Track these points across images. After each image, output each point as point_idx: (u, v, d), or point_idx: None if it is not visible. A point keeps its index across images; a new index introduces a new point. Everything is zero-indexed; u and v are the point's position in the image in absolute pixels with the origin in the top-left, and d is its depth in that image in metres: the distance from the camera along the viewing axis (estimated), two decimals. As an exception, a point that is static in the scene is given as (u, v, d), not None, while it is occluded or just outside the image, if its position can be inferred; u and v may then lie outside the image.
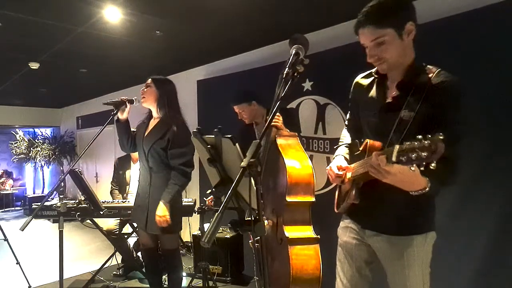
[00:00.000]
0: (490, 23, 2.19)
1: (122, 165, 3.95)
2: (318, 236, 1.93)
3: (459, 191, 2.30)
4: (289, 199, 1.64)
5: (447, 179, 1.22)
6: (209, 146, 1.49)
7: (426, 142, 0.90)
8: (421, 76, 1.30)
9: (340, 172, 1.48)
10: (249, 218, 1.12)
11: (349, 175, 1.48)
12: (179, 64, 4.55)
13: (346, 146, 1.65)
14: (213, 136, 1.44)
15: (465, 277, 2.27)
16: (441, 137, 0.88)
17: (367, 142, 1.35)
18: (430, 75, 1.30)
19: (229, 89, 3.97)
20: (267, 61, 3.58)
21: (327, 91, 3.07)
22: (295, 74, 1.28)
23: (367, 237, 1.47)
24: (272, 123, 2.17)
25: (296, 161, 1.88)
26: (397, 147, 0.98)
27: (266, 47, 3.72)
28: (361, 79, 1.56)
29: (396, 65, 1.34)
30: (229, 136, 1.34)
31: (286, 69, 1.27)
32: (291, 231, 1.91)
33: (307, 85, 3.21)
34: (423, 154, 0.90)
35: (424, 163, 0.92)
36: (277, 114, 2.23)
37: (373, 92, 1.46)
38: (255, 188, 1.13)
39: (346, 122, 1.75)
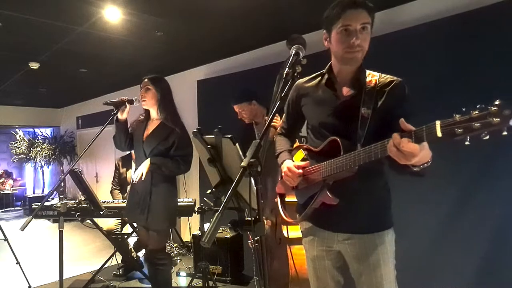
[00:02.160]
0: (490, 23, 2.19)
1: (124, 164, 3.94)
2: None
3: (459, 192, 2.31)
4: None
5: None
6: (209, 146, 1.49)
7: (493, 108, 0.86)
8: (368, 77, 1.39)
9: (301, 171, 1.44)
10: (249, 218, 1.12)
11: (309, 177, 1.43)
12: (179, 64, 4.55)
13: (289, 152, 1.61)
14: (213, 136, 1.44)
15: (465, 277, 2.27)
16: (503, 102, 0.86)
17: (336, 140, 1.32)
18: (375, 77, 1.38)
19: (229, 89, 3.96)
20: (267, 61, 3.58)
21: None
22: (295, 74, 1.28)
23: (337, 243, 1.44)
24: (271, 123, 2.16)
25: None
26: (438, 122, 0.95)
27: (266, 47, 3.72)
28: (305, 83, 1.55)
29: (360, 60, 1.37)
30: (229, 136, 1.34)
31: (286, 69, 1.28)
32: (290, 231, 1.91)
33: (307, 85, 3.21)
34: (494, 119, 0.85)
35: (492, 130, 0.87)
36: (276, 114, 2.22)
37: (322, 93, 1.46)
38: (255, 188, 1.13)
39: (280, 130, 1.72)
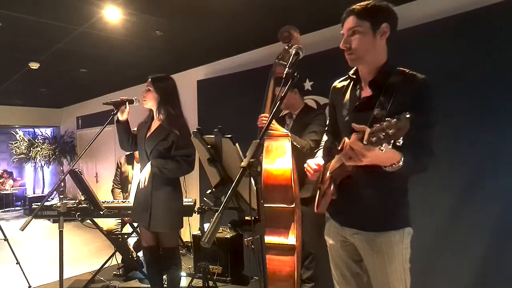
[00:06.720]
0: (490, 23, 2.19)
1: (127, 163, 3.92)
2: (294, 244, 1.86)
3: (458, 192, 2.31)
4: (265, 204, 1.58)
5: (420, 159, 1.26)
6: (209, 146, 1.49)
7: (393, 120, 0.96)
8: (393, 77, 1.35)
9: (316, 167, 1.52)
10: (249, 218, 1.12)
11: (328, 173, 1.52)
12: (179, 64, 4.55)
13: (325, 149, 1.70)
14: (213, 136, 1.44)
15: (464, 277, 2.27)
16: (408, 115, 0.95)
17: (344, 140, 1.36)
18: (400, 76, 1.35)
19: (229, 89, 3.97)
20: (267, 61, 3.58)
21: (327, 91, 3.05)
22: (295, 74, 1.29)
23: (348, 235, 1.48)
24: (259, 124, 2.17)
25: (274, 165, 1.76)
26: (368, 130, 1.01)
27: (266, 47, 3.72)
28: (338, 83, 1.61)
29: (364, 60, 1.38)
30: (229, 136, 1.34)
31: (286, 69, 1.28)
32: (267, 237, 1.83)
33: (307, 85, 3.21)
34: (390, 131, 0.96)
35: (391, 141, 0.98)
36: (265, 114, 2.20)
37: (348, 94, 1.50)
38: (255, 188, 1.13)
39: (326, 128, 1.78)
